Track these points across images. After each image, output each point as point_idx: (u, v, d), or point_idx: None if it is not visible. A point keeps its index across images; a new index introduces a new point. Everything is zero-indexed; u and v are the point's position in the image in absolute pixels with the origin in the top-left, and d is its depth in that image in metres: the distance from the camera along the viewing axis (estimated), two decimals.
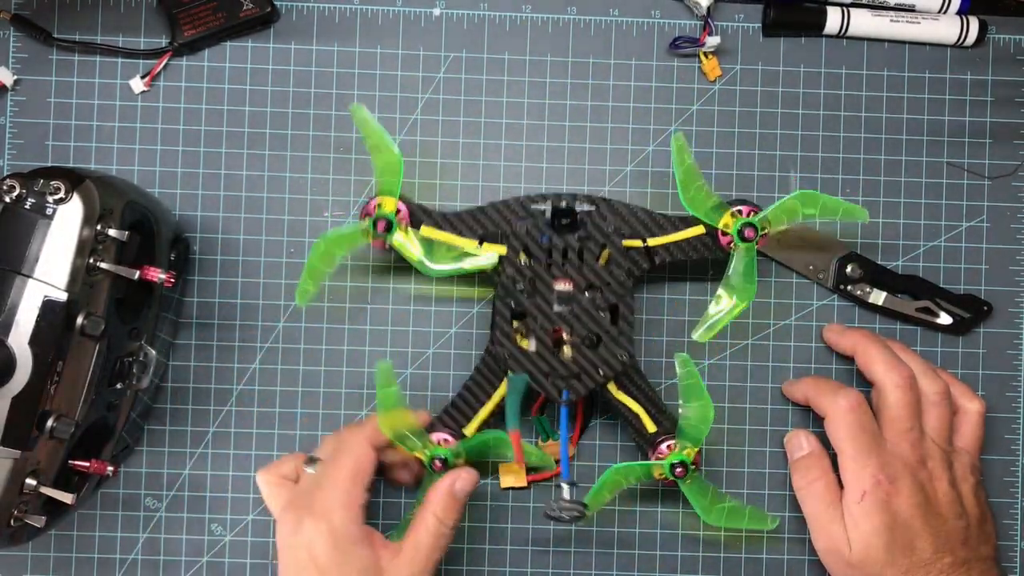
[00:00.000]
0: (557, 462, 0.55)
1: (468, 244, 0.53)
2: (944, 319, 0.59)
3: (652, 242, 0.53)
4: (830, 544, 0.53)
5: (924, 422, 0.54)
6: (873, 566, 0.52)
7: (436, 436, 0.53)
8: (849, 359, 0.57)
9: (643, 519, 0.58)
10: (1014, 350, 0.59)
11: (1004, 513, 0.59)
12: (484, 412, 0.54)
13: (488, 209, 0.54)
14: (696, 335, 0.53)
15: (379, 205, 0.52)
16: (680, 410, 0.53)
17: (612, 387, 0.54)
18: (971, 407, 0.55)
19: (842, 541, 0.52)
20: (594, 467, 0.58)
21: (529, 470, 0.57)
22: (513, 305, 0.52)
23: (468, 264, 0.52)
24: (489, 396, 0.54)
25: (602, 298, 0.53)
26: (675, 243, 0.54)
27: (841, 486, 0.53)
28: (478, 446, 0.53)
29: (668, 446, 0.53)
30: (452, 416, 0.54)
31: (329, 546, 0.47)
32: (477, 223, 0.53)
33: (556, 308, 0.53)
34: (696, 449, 0.53)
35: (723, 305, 0.53)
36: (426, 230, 0.53)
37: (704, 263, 0.58)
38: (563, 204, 0.53)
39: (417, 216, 0.53)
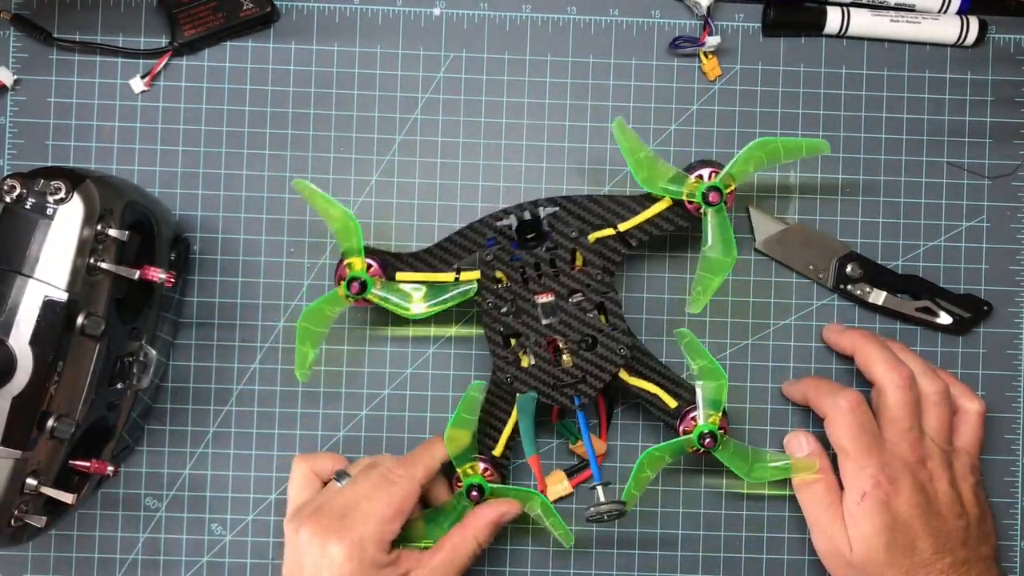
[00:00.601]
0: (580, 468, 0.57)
1: (446, 278, 0.53)
2: (944, 319, 0.59)
3: (623, 227, 0.53)
4: (831, 545, 0.53)
5: (924, 422, 0.54)
6: (874, 567, 0.52)
7: (480, 465, 0.54)
8: (849, 359, 0.57)
9: (643, 519, 0.58)
10: (1014, 350, 0.59)
11: (1004, 513, 0.59)
12: (507, 431, 0.55)
13: (455, 239, 0.53)
14: (689, 308, 0.53)
15: (348, 267, 0.51)
16: (696, 382, 0.53)
17: (624, 374, 0.54)
18: (971, 407, 0.55)
19: (843, 542, 0.52)
20: (636, 447, 0.58)
21: (571, 472, 0.58)
22: (502, 329, 0.53)
23: (448, 300, 0.52)
24: (508, 415, 0.55)
25: (586, 299, 0.53)
26: (646, 222, 0.53)
27: (841, 487, 0.54)
28: (511, 494, 0.53)
29: (693, 417, 0.53)
30: (482, 442, 0.55)
31: (356, 573, 0.48)
32: (449, 255, 0.53)
33: (544, 321, 0.53)
34: (719, 414, 0.52)
35: (708, 269, 0.52)
36: (401, 276, 0.53)
37: (683, 235, 0.58)
38: (526, 215, 0.53)
39: (389, 265, 0.53)
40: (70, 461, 0.49)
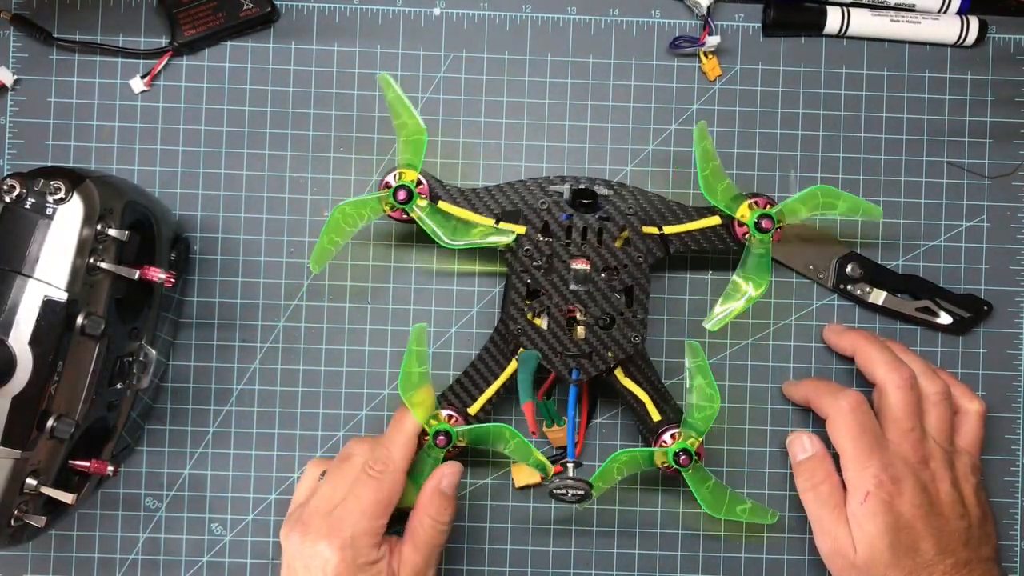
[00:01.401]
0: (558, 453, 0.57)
1: (485, 221, 0.53)
2: (944, 319, 0.59)
3: (668, 230, 0.54)
4: (835, 546, 0.53)
5: (925, 422, 0.54)
6: (877, 567, 0.51)
7: (443, 413, 0.54)
8: (849, 359, 0.57)
9: (643, 519, 0.58)
10: (1014, 350, 0.59)
11: (1004, 513, 0.59)
12: (490, 391, 0.54)
13: (506, 188, 0.54)
14: (708, 324, 0.53)
15: (400, 175, 0.52)
16: (688, 398, 0.53)
17: (619, 373, 0.54)
18: (971, 407, 0.55)
19: (847, 543, 0.52)
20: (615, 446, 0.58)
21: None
22: (529, 282, 0.52)
23: (485, 239, 0.52)
24: (496, 375, 0.54)
25: (618, 279, 0.52)
26: (690, 232, 0.54)
27: (844, 488, 0.53)
28: (481, 433, 0.53)
29: (672, 435, 0.53)
30: (457, 394, 0.54)
31: (350, 572, 0.48)
32: (494, 201, 0.54)
33: (572, 287, 0.52)
34: (700, 440, 0.53)
35: (736, 294, 0.53)
36: (444, 205, 0.53)
37: (716, 258, 0.58)
38: (581, 186, 0.53)
39: (435, 191, 0.53)
40: (70, 461, 0.49)
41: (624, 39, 0.59)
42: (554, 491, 0.52)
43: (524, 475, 0.57)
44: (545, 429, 0.57)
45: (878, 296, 0.58)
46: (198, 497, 0.58)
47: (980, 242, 0.59)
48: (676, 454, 0.52)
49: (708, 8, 0.57)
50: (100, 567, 0.57)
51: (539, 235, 0.52)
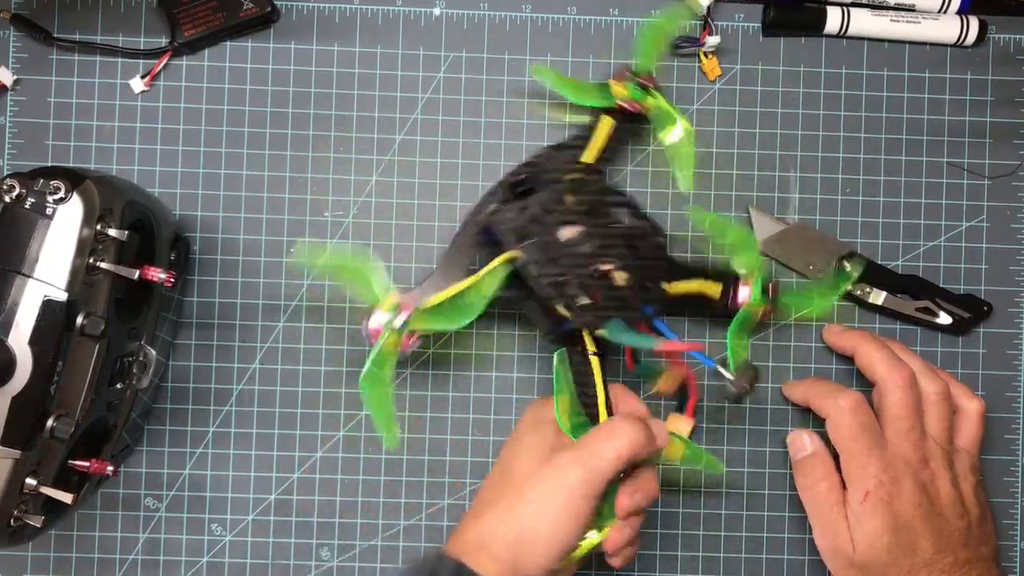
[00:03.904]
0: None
1: (471, 282, 0.50)
2: (944, 319, 0.59)
3: (592, 150, 0.55)
4: (834, 545, 0.53)
5: (925, 422, 0.54)
6: (877, 567, 0.52)
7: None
8: (849, 359, 0.57)
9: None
10: (1014, 350, 0.59)
11: (1004, 513, 0.59)
12: (601, 395, 0.51)
13: (457, 242, 0.53)
14: (684, 186, 0.55)
15: (383, 309, 0.49)
16: (727, 245, 0.54)
17: (665, 286, 0.53)
18: (971, 407, 0.55)
19: (846, 542, 0.52)
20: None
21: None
22: (548, 282, 0.49)
23: (491, 292, 0.50)
24: (591, 375, 0.51)
25: (606, 213, 0.51)
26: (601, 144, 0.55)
27: (844, 487, 0.53)
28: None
29: (742, 293, 0.54)
30: (583, 415, 0.51)
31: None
32: (458, 263, 0.53)
33: (582, 250, 0.50)
34: (757, 267, 0.53)
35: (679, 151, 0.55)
36: (429, 302, 0.49)
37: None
38: (510, 180, 0.54)
39: (415, 300, 0.49)
40: (70, 461, 0.49)
41: (624, 39, 0.59)
42: (735, 396, 0.52)
43: (680, 424, 0.55)
44: (655, 389, 0.55)
45: (878, 296, 0.58)
46: (198, 497, 0.58)
47: (980, 242, 0.59)
48: (763, 293, 0.53)
49: (708, 8, 0.57)
50: (100, 567, 0.57)
51: (519, 243, 0.50)
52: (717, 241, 0.53)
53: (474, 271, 0.50)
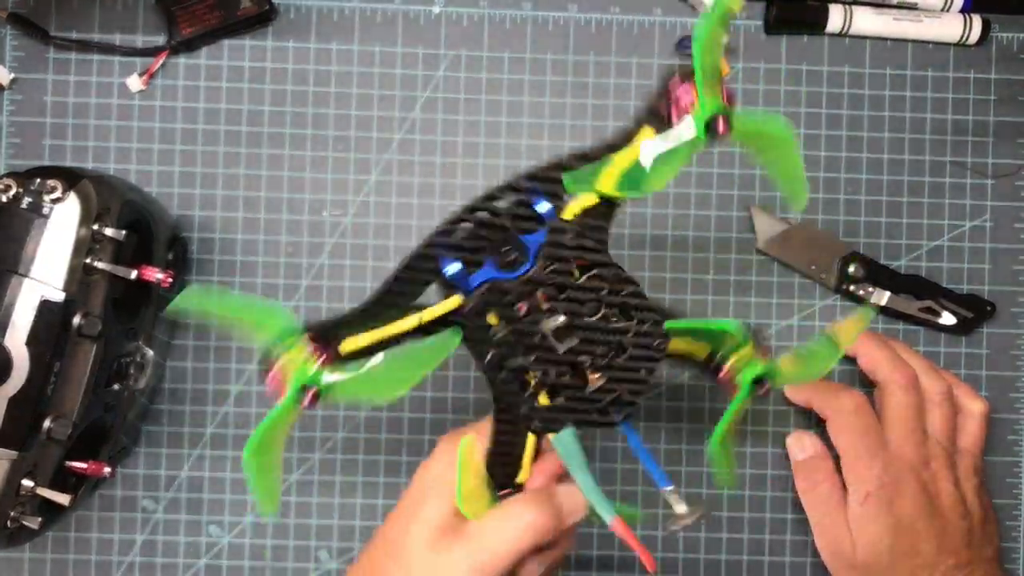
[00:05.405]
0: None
1: (406, 326, 0.40)
2: (947, 319, 0.58)
3: (586, 202, 0.41)
4: (835, 547, 0.53)
5: (927, 423, 0.54)
6: (878, 568, 0.51)
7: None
8: (851, 360, 0.57)
9: (643, 520, 0.58)
10: (1017, 350, 0.59)
11: (1007, 514, 0.59)
12: (525, 471, 0.43)
13: (399, 274, 0.40)
14: (797, 207, 0.44)
15: (286, 364, 0.38)
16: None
17: None
18: (974, 408, 0.55)
19: (847, 544, 0.52)
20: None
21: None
22: (512, 380, 0.41)
23: (432, 362, 0.39)
24: (520, 446, 0.43)
25: (599, 299, 0.41)
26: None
27: (845, 488, 0.53)
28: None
29: (728, 368, 0.42)
30: (498, 476, 0.43)
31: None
32: (398, 295, 0.40)
33: (562, 348, 0.41)
34: (749, 345, 0.42)
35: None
36: (349, 344, 0.39)
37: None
38: (482, 215, 0.41)
39: (328, 335, 0.39)
40: (67, 462, 0.49)
41: (625, 37, 0.59)
42: (673, 530, 0.44)
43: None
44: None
45: (881, 296, 0.58)
46: (196, 499, 0.57)
47: (983, 242, 0.59)
48: (752, 387, 0.42)
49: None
50: (97, 569, 0.57)
51: (489, 331, 0.41)
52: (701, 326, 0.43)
53: (414, 309, 0.40)
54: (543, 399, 0.42)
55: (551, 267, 0.41)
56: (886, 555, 0.51)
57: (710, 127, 0.39)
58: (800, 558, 0.58)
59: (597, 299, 0.42)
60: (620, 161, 0.40)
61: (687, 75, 0.39)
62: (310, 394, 0.37)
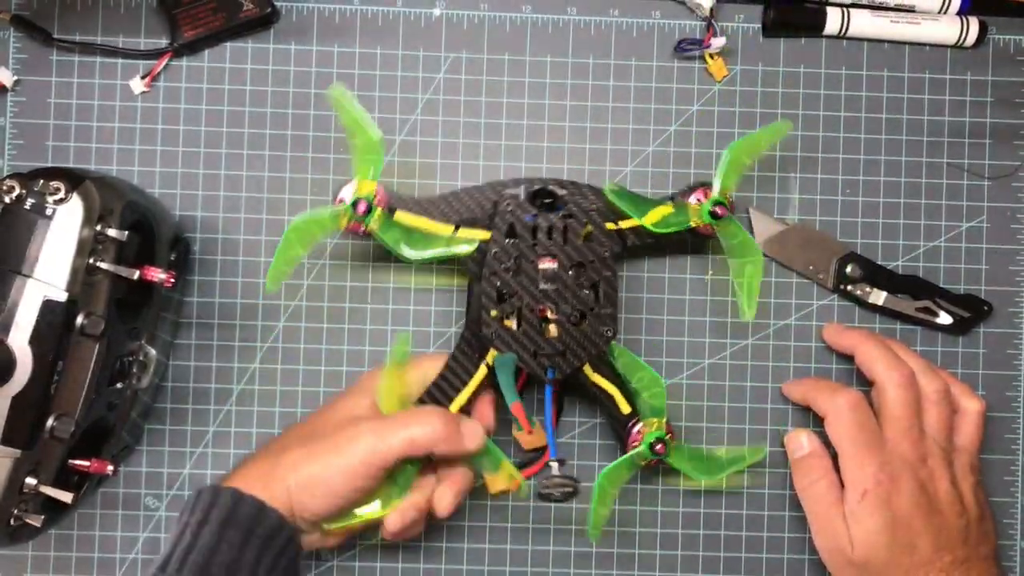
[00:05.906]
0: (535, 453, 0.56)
1: (444, 229, 0.52)
2: (944, 319, 0.59)
3: (624, 224, 0.54)
4: (832, 544, 0.53)
5: (924, 421, 0.54)
6: (875, 565, 0.52)
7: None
8: (849, 359, 0.57)
9: (643, 518, 0.58)
10: (1014, 350, 0.59)
11: (1004, 512, 0.59)
12: (463, 396, 0.53)
13: (462, 194, 0.54)
14: (745, 316, 0.53)
15: (357, 187, 0.50)
16: (633, 387, 0.54)
17: (587, 369, 0.53)
18: (971, 406, 0.55)
19: (844, 541, 0.52)
20: (592, 444, 0.58)
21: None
22: (499, 284, 0.52)
23: (446, 250, 0.51)
24: (466, 381, 0.53)
25: (585, 276, 0.52)
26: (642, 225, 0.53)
27: (842, 485, 0.53)
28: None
29: (639, 430, 0.53)
30: (435, 398, 0.53)
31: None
32: (452, 208, 0.54)
33: (542, 286, 0.52)
34: (663, 420, 0.53)
35: (742, 276, 0.53)
36: (401, 215, 0.52)
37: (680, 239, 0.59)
38: (536, 187, 0.53)
39: (392, 202, 0.52)
40: (70, 461, 0.49)
41: (624, 40, 0.59)
42: (542, 491, 0.51)
43: (499, 481, 0.54)
44: (515, 433, 0.56)
45: (878, 296, 0.58)
46: None
47: (980, 243, 0.59)
48: (651, 447, 0.52)
49: (711, 10, 0.57)
50: (100, 567, 0.57)
51: (505, 238, 0.52)
52: (627, 378, 0.54)
53: (456, 224, 0.53)
54: (508, 322, 0.52)
55: (568, 217, 0.52)
56: (883, 552, 0.51)
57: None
58: (798, 555, 0.58)
59: (583, 262, 0.52)
60: (653, 214, 0.53)
61: (701, 185, 0.55)
62: (364, 204, 0.49)
